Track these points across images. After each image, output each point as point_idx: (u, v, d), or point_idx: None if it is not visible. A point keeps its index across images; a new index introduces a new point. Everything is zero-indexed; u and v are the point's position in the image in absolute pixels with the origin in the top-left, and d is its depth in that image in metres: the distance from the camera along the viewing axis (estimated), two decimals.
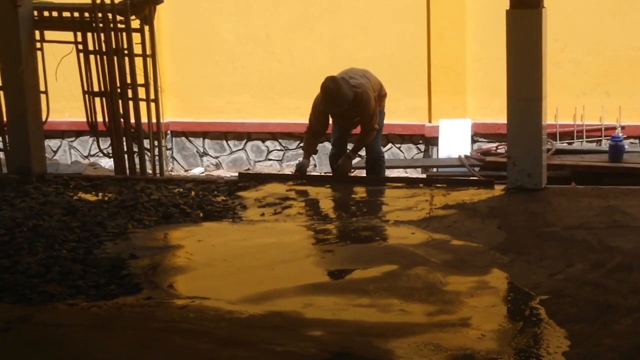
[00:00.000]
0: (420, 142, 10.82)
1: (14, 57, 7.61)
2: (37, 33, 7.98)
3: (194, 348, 3.71)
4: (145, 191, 7.01)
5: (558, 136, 10.13)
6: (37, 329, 4.00)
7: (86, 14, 8.05)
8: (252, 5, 11.15)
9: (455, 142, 10.37)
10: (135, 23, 8.15)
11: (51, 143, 11.49)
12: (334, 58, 10.22)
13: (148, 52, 8.21)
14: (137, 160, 8.29)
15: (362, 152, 8.14)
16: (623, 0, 10.09)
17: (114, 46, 8.04)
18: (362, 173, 8.70)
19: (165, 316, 4.13)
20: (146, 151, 8.42)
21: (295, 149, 11.19)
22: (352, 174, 8.28)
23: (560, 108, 10.00)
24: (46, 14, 8.05)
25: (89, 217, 6.09)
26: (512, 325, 3.89)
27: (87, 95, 8.30)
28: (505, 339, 3.70)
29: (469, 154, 9.72)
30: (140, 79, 8.18)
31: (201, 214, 6.24)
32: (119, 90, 8.10)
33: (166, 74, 11.03)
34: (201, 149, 11.55)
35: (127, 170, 8.22)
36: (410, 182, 7.39)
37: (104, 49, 8.03)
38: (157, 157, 8.52)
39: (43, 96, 7.97)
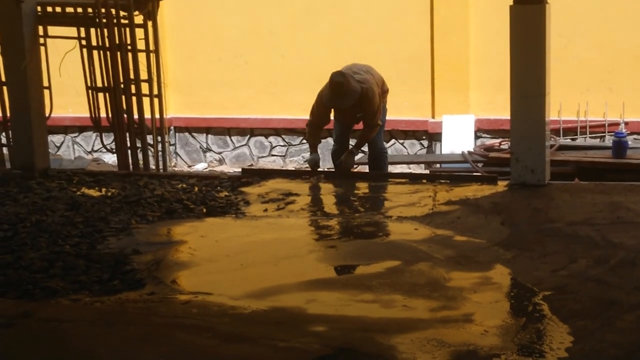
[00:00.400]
0: (424, 138, 10.81)
1: (17, 52, 7.62)
2: (40, 28, 7.99)
3: (197, 343, 3.71)
4: (149, 187, 7.02)
5: (561, 132, 10.12)
6: (40, 325, 4.00)
7: (89, 10, 8.06)
8: (256, 0, 11.15)
9: (458, 138, 10.36)
10: (138, 18, 8.17)
11: (54, 138, 11.50)
12: (337, 54, 10.22)
13: (151, 47, 8.22)
14: (140, 155, 8.30)
15: (365, 148, 8.13)
16: None
17: (117, 42, 8.04)
18: (365, 169, 8.69)
19: (168, 311, 4.13)
20: (149, 147, 8.44)
21: (298, 144, 11.19)
22: (355, 170, 8.28)
23: (564, 104, 9.99)
24: (49, 9, 8.06)
25: (92, 212, 6.09)
26: (515, 321, 3.89)
27: (90, 91, 8.31)
28: (508, 334, 3.70)
29: (472, 150, 9.71)
30: (143, 75, 8.20)
31: (204, 210, 6.24)
32: (122, 85, 8.10)
33: (169, 69, 11.05)
34: (204, 145, 11.55)
35: (131, 166, 8.23)
36: (413, 178, 7.39)
37: (107, 45, 8.03)
38: (160, 153, 8.54)
39: (46, 92, 7.99)
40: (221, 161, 11.50)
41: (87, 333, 3.89)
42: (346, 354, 3.55)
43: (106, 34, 8.01)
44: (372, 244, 5.34)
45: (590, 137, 10.17)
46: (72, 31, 8.22)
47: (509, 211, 6.05)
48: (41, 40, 7.99)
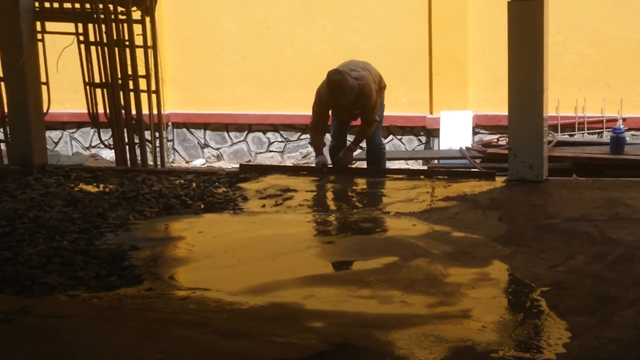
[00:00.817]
0: (422, 133, 10.81)
1: (15, 48, 7.60)
2: (38, 24, 7.98)
3: (194, 339, 3.71)
4: (147, 182, 7.01)
5: (559, 128, 10.12)
6: (38, 320, 4.00)
7: (87, 5, 8.05)
8: None
9: (456, 134, 10.36)
10: (136, 14, 8.15)
11: (52, 134, 11.48)
12: (335, 50, 10.21)
13: (149, 43, 8.21)
14: (138, 151, 8.29)
15: (363, 144, 8.13)
16: None
17: (115, 37, 8.03)
18: (363, 165, 8.69)
19: (166, 307, 4.13)
20: (147, 143, 8.42)
21: (296, 140, 11.19)
22: (353, 166, 8.28)
23: (562, 100, 9.99)
24: (47, 5, 8.05)
25: (90, 208, 6.09)
26: (513, 317, 3.89)
27: (88, 87, 8.31)
28: (506, 330, 3.70)
29: (470, 146, 9.72)
30: (141, 70, 8.18)
31: (202, 206, 6.24)
32: (120, 81, 8.10)
33: (167, 65, 11.03)
34: (202, 141, 11.54)
35: (128, 162, 8.23)
36: (411, 174, 7.39)
37: (105, 40, 8.02)
38: (158, 149, 8.53)
39: (44, 87, 7.97)
40: (219, 157, 11.49)
41: (85, 329, 3.89)
42: (344, 350, 3.55)
43: (104, 29, 8.00)
44: (370, 240, 5.34)
45: (588, 133, 10.17)
46: (69, 27, 8.20)
47: (507, 207, 6.05)
48: (39, 36, 7.98)
